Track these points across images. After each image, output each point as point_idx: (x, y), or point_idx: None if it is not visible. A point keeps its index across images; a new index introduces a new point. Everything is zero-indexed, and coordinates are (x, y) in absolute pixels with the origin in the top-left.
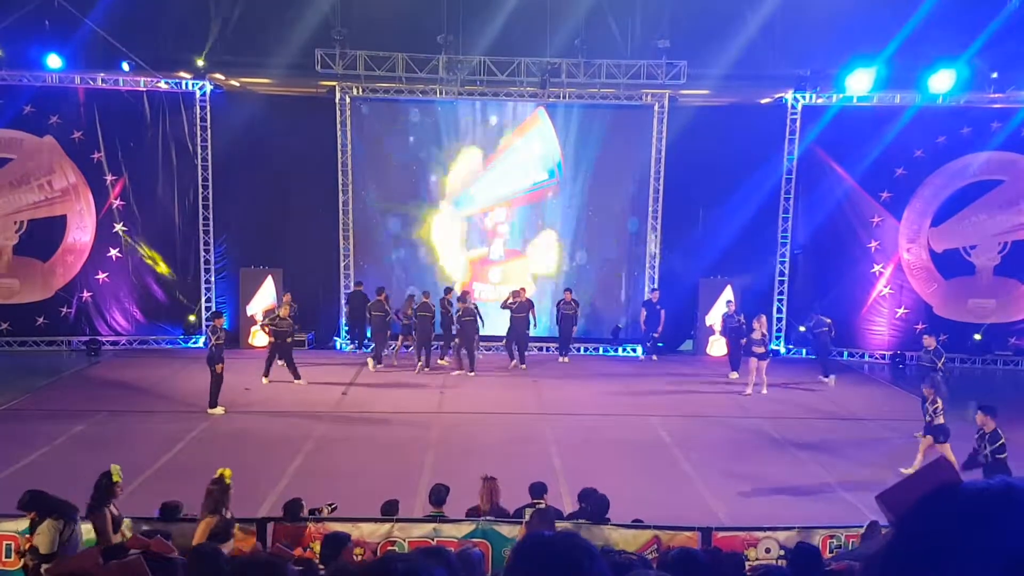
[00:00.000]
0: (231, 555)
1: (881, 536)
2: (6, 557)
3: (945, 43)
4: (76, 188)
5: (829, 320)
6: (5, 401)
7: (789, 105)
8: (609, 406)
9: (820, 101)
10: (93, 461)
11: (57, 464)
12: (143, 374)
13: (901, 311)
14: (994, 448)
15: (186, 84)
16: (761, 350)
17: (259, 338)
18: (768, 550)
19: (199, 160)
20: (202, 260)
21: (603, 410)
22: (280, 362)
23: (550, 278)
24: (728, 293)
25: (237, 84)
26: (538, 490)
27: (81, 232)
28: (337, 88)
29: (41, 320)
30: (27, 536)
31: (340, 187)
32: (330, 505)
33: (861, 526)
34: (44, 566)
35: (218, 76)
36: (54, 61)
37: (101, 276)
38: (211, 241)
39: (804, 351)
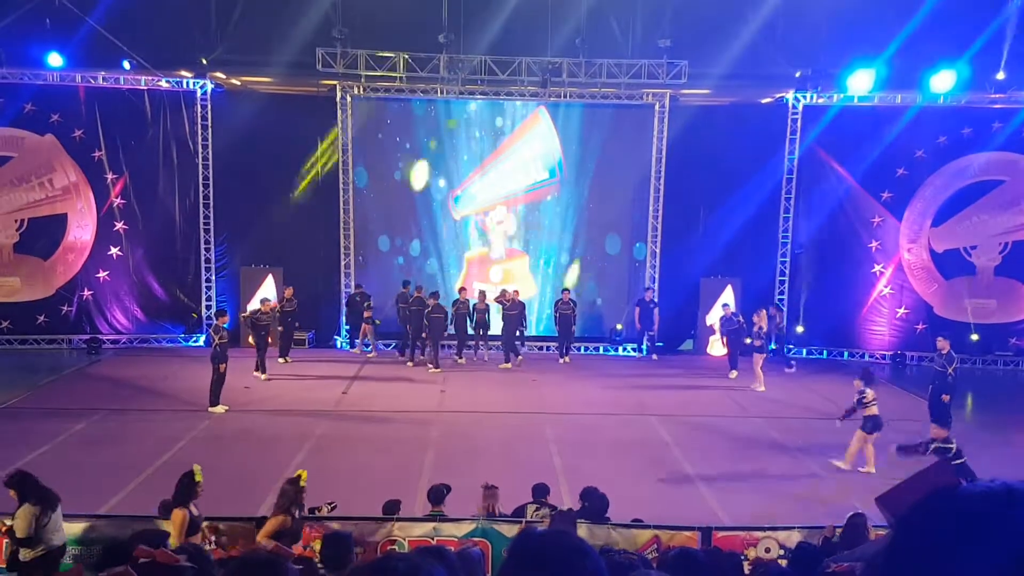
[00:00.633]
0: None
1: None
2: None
3: (946, 43)
4: (77, 186)
5: (741, 318)
6: (6, 399)
7: (790, 105)
8: (609, 405)
9: (821, 101)
10: (93, 459)
11: (58, 462)
12: (144, 373)
13: (901, 311)
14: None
15: (187, 83)
16: (759, 343)
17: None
18: (768, 550)
19: (200, 159)
20: (203, 259)
21: (603, 410)
22: (282, 360)
23: (549, 278)
24: (728, 294)
25: (238, 83)
26: (541, 491)
27: (82, 230)
28: (338, 87)
29: (42, 318)
30: (2, 520)
31: (341, 185)
32: (330, 504)
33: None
34: (22, 550)
35: (219, 75)
36: (55, 59)
37: (102, 274)
38: (212, 240)
39: (805, 351)
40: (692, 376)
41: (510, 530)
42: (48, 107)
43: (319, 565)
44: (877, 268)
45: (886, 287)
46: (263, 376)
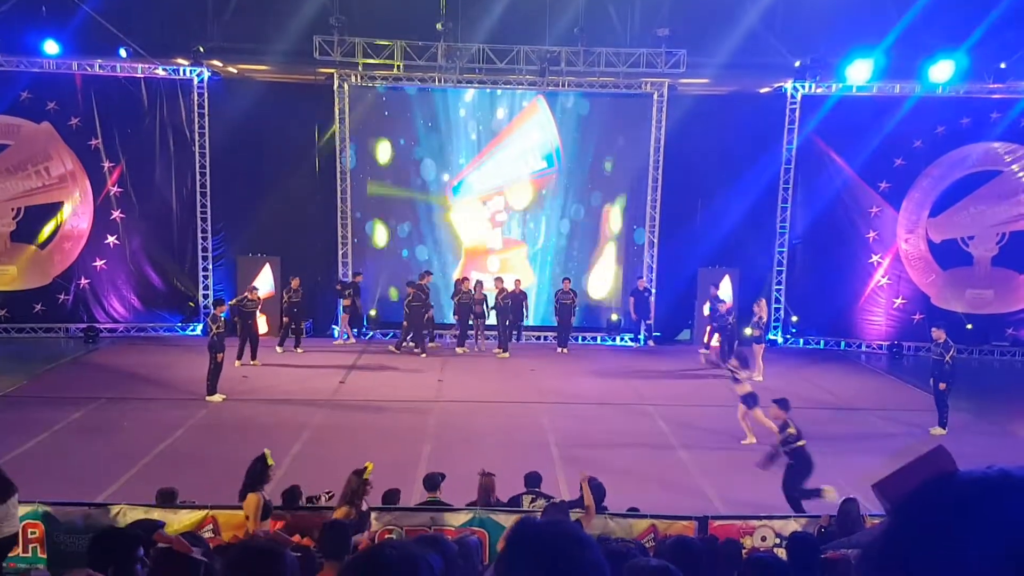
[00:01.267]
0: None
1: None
2: None
3: (945, 33)
4: (73, 175)
5: (732, 318)
6: (3, 388)
7: (789, 94)
8: (606, 395)
9: (820, 91)
10: (90, 448)
11: (55, 451)
12: (141, 361)
13: (899, 301)
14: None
15: (184, 71)
16: (758, 333)
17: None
18: (764, 538)
19: (197, 147)
20: (200, 247)
21: (600, 399)
22: (283, 350)
23: (548, 267)
24: (725, 285)
25: (235, 71)
26: (534, 480)
27: (79, 219)
28: (335, 75)
29: (39, 307)
30: None
31: (338, 174)
32: (327, 493)
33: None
34: None
35: (216, 63)
36: (51, 47)
37: (99, 263)
38: (209, 228)
39: (801, 341)
40: (690, 366)
41: (507, 519)
42: (44, 95)
43: (317, 554)
44: (875, 258)
45: (883, 277)
46: (238, 364)
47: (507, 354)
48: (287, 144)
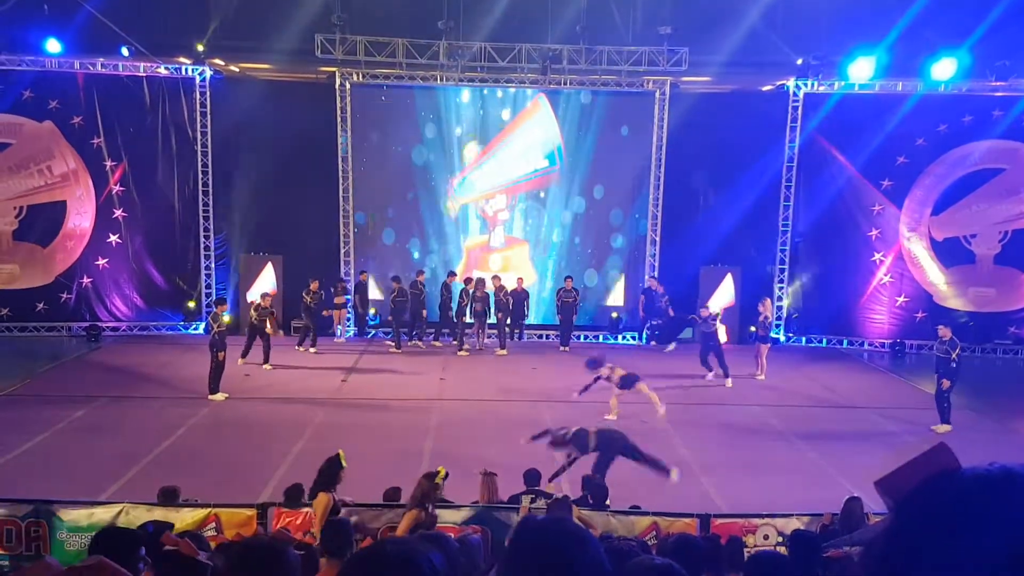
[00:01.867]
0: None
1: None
2: (7, 542)
3: (947, 30)
4: (76, 173)
5: (717, 326)
6: (5, 387)
7: (791, 92)
8: (608, 393)
9: (822, 89)
10: (93, 446)
11: (57, 449)
12: (143, 360)
13: (901, 299)
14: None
15: (186, 69)
16: (763, 333)
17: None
18: (767, 536)
19: (199, 146)
20: (202, 246)
21: (602, 397)
22: (303, 350)
23: (550, 265)
24: (727, 283)
25: (237, 69)
26: (533, 478)
27: (81, 218)
28: (337, 74)
29: (41, 306)
30: None
31: (340, 173)
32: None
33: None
34: None
35: (218, 61)
36: (53, 46)
37: (101, 262)
38: (211, 227)
39: (804, 339)
40: (691, 364)
41: (509, 517)
42: (47, 93)
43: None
44: (877, 256)
45: (886, 275)
46: (240, 363)
47: (505, 351)
48: (289, 143)
